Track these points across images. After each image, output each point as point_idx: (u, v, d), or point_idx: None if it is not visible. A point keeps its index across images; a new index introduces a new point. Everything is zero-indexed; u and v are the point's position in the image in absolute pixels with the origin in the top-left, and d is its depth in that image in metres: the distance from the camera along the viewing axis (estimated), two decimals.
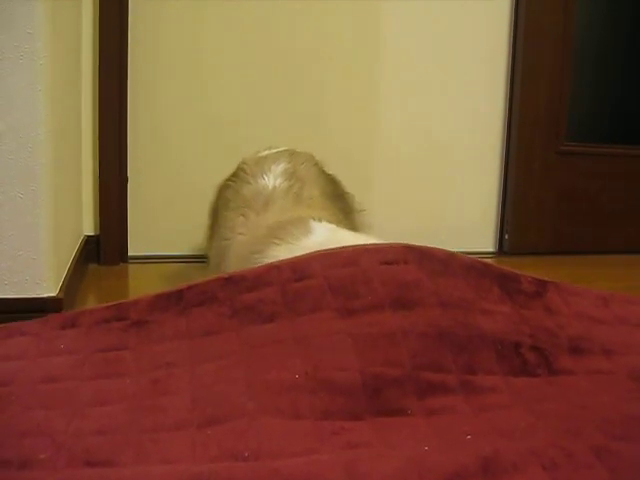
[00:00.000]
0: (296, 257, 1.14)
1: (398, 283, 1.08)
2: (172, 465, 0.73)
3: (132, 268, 1.99)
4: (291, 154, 1.50)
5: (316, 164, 1.56)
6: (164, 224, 2.09)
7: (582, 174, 2.46)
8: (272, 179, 1.39)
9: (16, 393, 0.91)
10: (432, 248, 1.18)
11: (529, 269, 2.20)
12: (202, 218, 2.00)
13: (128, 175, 2.02)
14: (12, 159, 1.23)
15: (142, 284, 1.85)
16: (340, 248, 1.15)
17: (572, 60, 2.39)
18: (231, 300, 1.08)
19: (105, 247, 1.99)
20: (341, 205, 1.56)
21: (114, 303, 1.14)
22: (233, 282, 1.11)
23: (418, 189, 2.34)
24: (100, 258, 1.98)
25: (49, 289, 1.28)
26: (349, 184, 2.20)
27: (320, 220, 1.24)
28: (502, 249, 2.42)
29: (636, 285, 2.02)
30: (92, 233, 1.99)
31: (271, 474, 0.69)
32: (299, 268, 1.11)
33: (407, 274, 1.10)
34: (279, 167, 1.42)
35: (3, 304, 1.23)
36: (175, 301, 1.11)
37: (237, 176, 1.48)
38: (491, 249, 2.43)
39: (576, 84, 2.43)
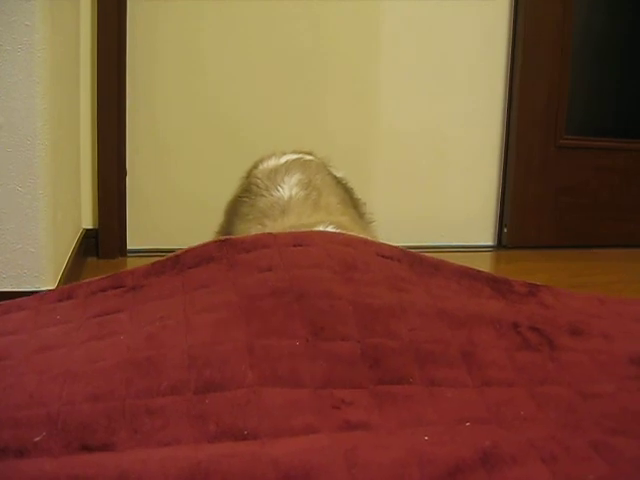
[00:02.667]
0: (294, 230, 1.13)
1: (393, 273, 1.08)
2: (171, 449, 0.72)
3: (131, 262, 1.99)
4: (302, 164, 1.45)
5: (329, 172, 1.53)
6: (163, 218, 2.09)
7: (581, 168, 2.46)
8: (287, 190, 1.35)
9: (11, 366, 0.89)
10: (423, 254, 1.21)
11: (528, 262, 2.21)
12: (200, 211, 2.00)
13: (127, 169, 2.01)
14: (10, 152, 1.22)
15: None
16: (338, 232, 1.15)
17: (571, 53, 2.39)
18: (228, 258, 1.06)
19: (104, 241, 1.99)
20: (357, 214, 1.53)
21: (111, 274, 1.12)
22: (230, 244, 1.09)
23: (418, 183, 2.34)
24: (99, 252, 1.98)
25: (48, 282, 1.27)
26: (350, 179, 2.20)
27: (333, 226, 1.21)
28: (501, 243, 2.42)
29: (635, 279, 2.02)
30: (91, 226, 1.99)
31: (271, 465, 0.69)
32: (298, 236, 1.10)
33: (400, 270, 1.11)
34: (293, 178, 1.38)
35: (2, 297, 1.23)
36: (171, 265, 1.09)
37: (250, 191, 1.44)
38: (490, 243, 2.43)
39: (575, 77, 2.43)
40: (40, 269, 1.27)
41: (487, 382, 0.93)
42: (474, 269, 1.24)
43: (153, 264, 1.10)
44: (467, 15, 2.29)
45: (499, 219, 2.43)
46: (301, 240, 1.09)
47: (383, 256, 1.12)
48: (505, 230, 2.41)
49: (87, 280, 1.16)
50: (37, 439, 0.73)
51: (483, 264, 2.25)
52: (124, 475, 0.67)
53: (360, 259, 1.08)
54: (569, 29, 2.37)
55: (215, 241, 1.11)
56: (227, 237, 1.12)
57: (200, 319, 0.92)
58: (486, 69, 2.35)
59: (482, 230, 2.43)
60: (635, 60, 2.62)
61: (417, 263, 1.16)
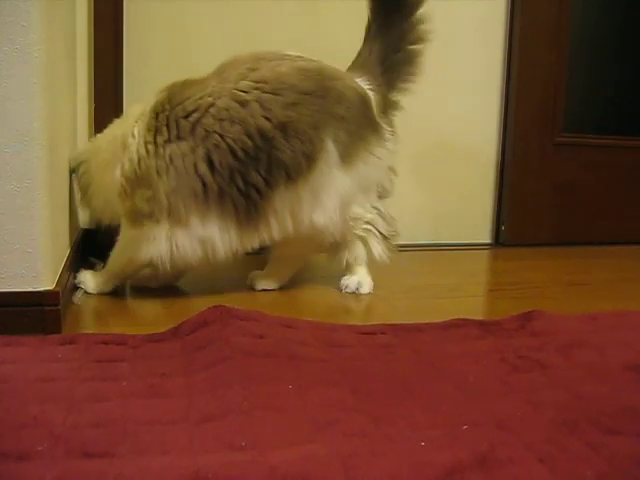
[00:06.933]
0: (284, 317, 1.28)
1: (375, 343, 1.19)
2: (170, 457, 0.73)
3: None
4: None
5: None
6: None
7: (579, 165, 2.47)
8: None
9: (12, 389, 0.92)
10: (408, 325, 1.29)
11: (526, 260, 2.21)
12: None
13: None
14: (7, 152, 1.22)
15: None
16: (329, 323, 1.29)
17: (568, 51, 2.39)
18: (223, 322, 1.17)
19: (102, 241, 1.97)
20: None
21: (112, 334, 1.20)
22: (224, 310, 1.22)
23: (414, 181, 2.34)
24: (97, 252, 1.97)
25: (46, 283, 1.27)
26: None
27: None
28: (499, 241, 2.43)
29: (633, 277, 2.02)
30: (88, 227, 1.98)
31: (269, 472, 0.69)
32: (286, 319, 1.26)
33: (384, 339, 1.21)
34: None
35: (0, 298, 1.23)
36: (170, 335, 1.19)
37: None
38: (488, 240, 2.44)
39: (572, 75, 2.43)
40: (38, 269, 1.26)
41: (482, 395, 0.96)
42: (461, 318, 1.31)
43: (153, 334, 1.20)
44: (463, 14, 2.28)
45: (497, 217, 2.43)
46: (289, 322, 1.24)
47: (366, 333, 1.23)
48: (503, 228, 2.41)
49: (89, 332, 1.23)
50: (40, 448, 0.75)
51: (481, 262, 2.26)
52: None
53: (343, 338, 1.20)
54: (565, 26, 2.37)
55: (209, 308, 1.23)
56: (221, 305, 1.24)
57: (199, 377, 0.99)
58: (483, 67, 2.35)
59: (480, 228, 2.43)
60: (632, 57, 2.62)
61: (402, 330, 1.25)
